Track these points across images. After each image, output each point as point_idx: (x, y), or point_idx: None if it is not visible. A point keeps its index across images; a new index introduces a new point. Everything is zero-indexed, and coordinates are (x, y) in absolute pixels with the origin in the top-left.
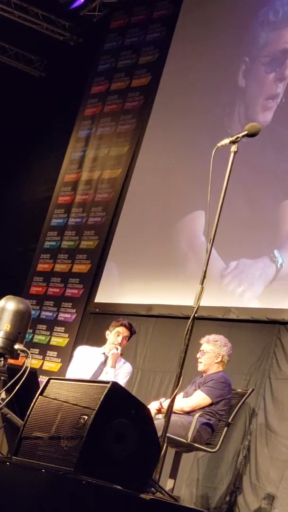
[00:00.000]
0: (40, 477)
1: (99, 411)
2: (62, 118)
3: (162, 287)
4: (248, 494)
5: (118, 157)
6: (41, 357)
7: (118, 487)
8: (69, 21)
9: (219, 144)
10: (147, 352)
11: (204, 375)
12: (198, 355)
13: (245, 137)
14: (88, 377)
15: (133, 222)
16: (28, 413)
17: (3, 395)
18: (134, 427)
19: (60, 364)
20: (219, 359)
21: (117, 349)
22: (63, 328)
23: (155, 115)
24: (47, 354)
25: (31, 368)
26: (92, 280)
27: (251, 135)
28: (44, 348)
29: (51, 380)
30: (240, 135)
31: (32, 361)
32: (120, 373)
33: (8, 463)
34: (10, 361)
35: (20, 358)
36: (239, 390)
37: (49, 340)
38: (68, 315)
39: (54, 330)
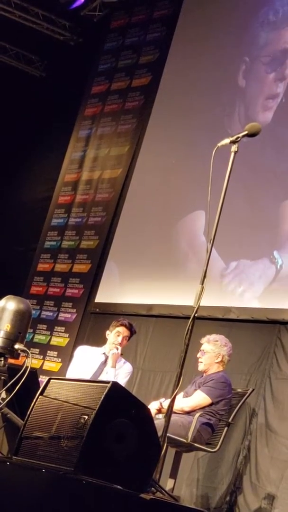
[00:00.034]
0: (40, 477)
1: (99, 411)
2: (62, 118)
3: (162, 287)
4: (248, 494)
5: (118, 157)
6: (41, 357)
7: (118, 487)
8: (69, 21)
9: (219, 144)
10: (147, 352)
11: (204, 375)
12: (198, 355)
13: (246, 137)
14: (88, 377)
15: (134, 222)
16: (28, 413)
17: (4, 395)
18: (134, 427)
19: (61, 364)
20: (219, 359)
21: (117, 349)
22: (63, 328)
23: (156, 115)
24: (48, 354)
25: (31, 368)
26: (92, 280)
27: (251, 135)
28: (44, 348)
29: (52, 380)
30: (240, 135)
31: (32, 361)
32: (120, 373)
33: (8, 463)
34: (11, 361)
35: (20, 358)
36: (239, 390)
37: (50, 340)
38: (68, 315)
39: (55, 330)
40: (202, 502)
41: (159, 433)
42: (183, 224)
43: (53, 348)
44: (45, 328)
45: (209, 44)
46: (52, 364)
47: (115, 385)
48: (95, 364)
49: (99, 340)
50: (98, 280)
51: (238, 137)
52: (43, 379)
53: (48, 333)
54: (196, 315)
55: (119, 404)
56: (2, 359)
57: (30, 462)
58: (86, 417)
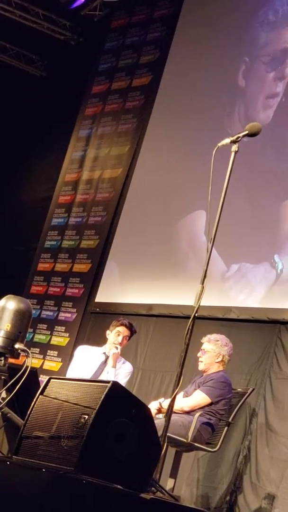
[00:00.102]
0: (41, 477)
1: (99, 411)
2: (62, 117)
3: (162, 286)
4: (249, 494)
5: (118, 156)
6: (41, 356)
7: (119, 486)
8: (70, 21)
9: (220, 144)
10: (147, 352)
11: (204, 374)
12: (199, 354)
13: (246, 136)
14: (88, 376)
15: (134, 222)
16: (28, 412)
17: (4, 394)
18: (135, 426)
19: (61, 363)
20: (219, 359)
21: (116, 348)
22: (63, 328)
23: (156, 115)
24: (48, 354)
25: (31, 367)
26: (92, 280)
27: (251, 134)
28: (44, 348)
29: (52, 380)
30: (241, 134)
31: (32, 361)
32: (121, 373)
33: (8, 463)
34: (11, 360)
35: (20, 358)
36: (239, 389)
37: (50, 340)
38: (68, 315)
39: (55, 329)
40: (202, 502)
41: (159, 433)
42: (184, 224)
43: (53, 347)
44: (45, 328)
45: (209, 44)
46: (52, 363)
47: (115, 384)
48: (96, 363)
49: (99, 339)
50: (98, 280)
51: (239, 137)
52: (43, 378)
53: (48, 332)
54: (196, 315)
55: (119, 404)
56: (2, 358)
57: (30, 462)
58: (86, 416)
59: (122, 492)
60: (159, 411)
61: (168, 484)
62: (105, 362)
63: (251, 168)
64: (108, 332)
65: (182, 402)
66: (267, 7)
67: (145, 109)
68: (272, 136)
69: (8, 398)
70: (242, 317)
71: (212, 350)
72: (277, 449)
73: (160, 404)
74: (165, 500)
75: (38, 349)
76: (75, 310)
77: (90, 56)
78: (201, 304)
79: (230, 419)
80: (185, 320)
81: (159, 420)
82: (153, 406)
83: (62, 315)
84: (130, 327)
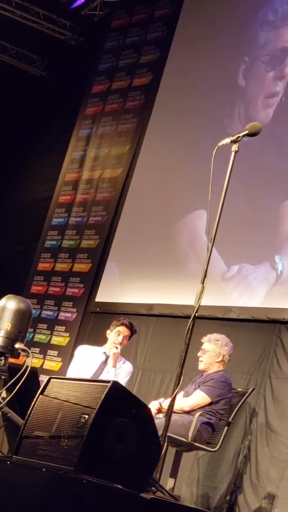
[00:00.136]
0: (41, 476)
1: (99, 410)
2: (63, 117)
3: (162, 286)
4: (249, 494)
5: (119, 156)
6: (41, 356)
7: (119, 486)
8: (70, 21)
9: (220, 144)
10: (147, 352)
11: (204, 374)
12: (199, 354)
13: (246, 136)
14: (88, 376)
15: (134, 222)
16: (28, 412)
17: (4, 394)
18: (135, 426)
19: (61, 363)
20: (219, 359)
21: (117, 348)
22: (63, 327)
23: (156, 115)
24: (48, 353)
25: (31, 367)
26: (92, 279)
27: (252, 134)
28: (44, 347)
29: (52, 379)
30: (241, 134)
31: (32, 360)
32: (121, 373)
33: (8, 462)
34: (11, 360)
35: (20, 357)
36: (239, 389)
37: (50, 339)
38: (68, 314)
39: (55, 329)
40: (202, 502)
41: (159, 433)
42: (184, 223)
43: (53, 347)
44: (45, 328)
45: (209, 44)
46: (52, 363)
47: (115, 384)
48: (96, 363)
49: (99, 339)
50: (98, 280)
51: (239, 137)
52: (43, 378)
53: (49, 332)
54: (196, 314)
55: (120, 404)
56: (3, 358)
57: (31, 462)
58: (87, 416)
59: (122, 492)
60: (159, 411)
61: (168, 484)
62: (105, 362)
63: (251, 168)
64: (108, 332)
65: (182, 402)
66: (267, 7)
67: (145, 109)
68: (272, 136)
69: (8, 398)
70: (242, 317)
71: (212, 350)
72: (277, 448)
73: (160, 404)
74: (165, 500)
75: (38, 349)
76: (75, 309)
77: (90, 55)
78: (201, 304)
79: (230, 419)
80: (185, 320)
81: (159, 420)
82: (153, 406)
83: (62, 315)
84: (130, 327)
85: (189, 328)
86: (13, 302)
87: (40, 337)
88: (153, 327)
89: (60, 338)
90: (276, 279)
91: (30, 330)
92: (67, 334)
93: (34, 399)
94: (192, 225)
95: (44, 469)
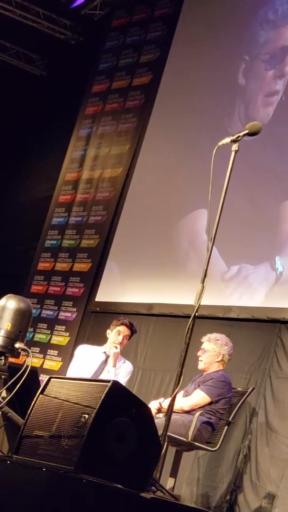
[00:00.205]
0: (41, 476)
1: (99, 410)
2: (63, 116)
3: (163, 286)
4: (249, 493)
5: (119, 156)
6: (41, 356)
7: (119, 486)
8: (70, 20)
9: (220, 143)
10: (147, 351)
11: (204, 373)
12: (198, 353)
13: (246, 136)
14: (89, 376)
15: (134, 221)
16: (28, 412)
17: (4, 393)
18: (135, 426)
19: (61, 363)
20: (219, 358)
21: (117, 347)
22: (63, 327)
23: (156, 114)
24: (48, 353)
25: (31, 367)
26: (92, 279)
27: (252, 134)
28: (44, 347)
29: (52, 379)
30: (241, 134)
31: (32, 360)
32: (121, 372)
33: (8, 462)
34: (11, 359)
35: (20, 357)
36: (239, 389)
37: (50, 339)
38: (68, 314)
39: (55, 329)
40: (202, 501)
41: (160, 432)
42: (185, 223)
43: (53, 347)
44: (45, 327)
45: (209, 44)
46: (52, 363)
47: (115, 384)
48: (96, 363)
49: (99, 339)
50: (98, 279)
51: (239, 136)
52: (43, 378)
53: (49, 332)
54: (196, 314)
55: (120, 403)
56: (3, 358)
57: (31, 461)
58: (87, 416)
59: (122, 492)
60: (159, 410)
61: (168, 483)
62: (105, 362)
63: (251, 168)
64: (108, 331)
65: (182, 402)
66: (267, 7)
67: (145, 108)
68: (272, 135)
69: (8, 398)
70: (242, 316)
71: (212, 350)
72: (277, 448)
73: (160, 403)
74: (165, 499)
75: (38, 349)
76: (75, 309)
77: (91, 55)
78: (201, 304)
79: (230, 418)
80: (185, 319)
81: (159, 420)
82: (153, 406)
83: (62, 315)
84: (130, 327)
85: (189, 328)
86: (13, 301)
87: (40, 337)
88: (153, 326)
89: (60, 338)
90: (276, 279)
91: (30, 329)
92: (67, 334)
93: (34, 399)
94: (193, 224)
95: (44, 469)
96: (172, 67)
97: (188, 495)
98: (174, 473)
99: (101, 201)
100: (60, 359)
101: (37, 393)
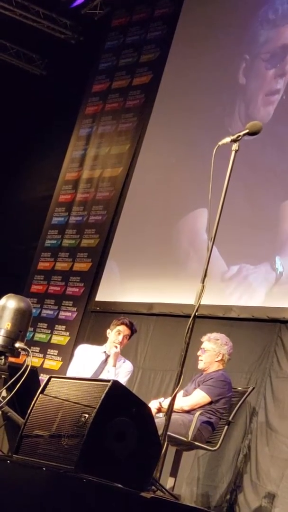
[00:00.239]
0: (41, 475)
1: (100, 410)
2: (63, 116)
3: (163, 285)
4: (249, 493)
5: (119, 155)
6: (42, 355)
7: (119, 485)
8: (70, 20)
9: (220, 143)
10: (147, 351)
11: (204, 373)
12: (198, 353)
13: (247, 135)
14: (89, 375)
15: (134, 221)
16: (28, 411)
17: (4, 393)
18: (135, 425)
19: (61, 362)
20: (219, 358)
21: (117, 347)
22: (64, 327)
23: (156, 114)
24: (48, 353)
25: (32, 366)
26: (93, 279)
27: (252, 133)
28: (45, 347)
29: (52, 379)
30: (241, 133)
31: (33, 360)
32: (121, 372)
33: (8, 462)
34: (11, 359)
35: (21, 357)
36: (239, 388)
37: (50, 339)
38: (69, 314)
39: (55, 328)
40: (202, 501)
41: (160, 432)
42: (185, 222)
43: (53, 346)
44: (45, 327)
45: (209, 43)
46: (52, 362)
47: (115, 383)
48: (96, 362)
49: (99, 338)
50: (98, 279)
51: (239, 136)
52: (43, 377)
53: (49, 331)
54: (196, 313)
55: (120, 403)
56: (3, 357)
57: (31, 461)
58: (87, 415)
59: (122, 491)
60: (159, 410)
61: (169, 483)
62: (105, 361)
63: (251, 167)
64: (108, 331)
65: (182, 401)
66: (267, 6)
67: (145, 108)
68: (272, 135)
69: (8, 397)
70: (242, 316)
71: (212, 349)
72: (277, 448)
73: (160, 403)
74: (165, 499)
75: (38, 348)
76: (75, 309)
77: (91, 55)
78: (201, 303)
79: (230, 418)
80: (185, 319)
81: (159, 419)
82: (153, 406)
83: (63, 314)
84: (130, 326)
85: (189, 327)
86: (13, 301)
87: (40, 336)
88: (153, 326)
89: (60, 337)
90: (276, 279)
91: (30, 329)
92: (67, 333)
93: (34, 398)
94: (193, 224)
95: (44, 468)
96: (172, 66)
97: (188, 494)
98: (174, 473)
99: (101, 201)
100: (60, 358)
101: (37, 393)
